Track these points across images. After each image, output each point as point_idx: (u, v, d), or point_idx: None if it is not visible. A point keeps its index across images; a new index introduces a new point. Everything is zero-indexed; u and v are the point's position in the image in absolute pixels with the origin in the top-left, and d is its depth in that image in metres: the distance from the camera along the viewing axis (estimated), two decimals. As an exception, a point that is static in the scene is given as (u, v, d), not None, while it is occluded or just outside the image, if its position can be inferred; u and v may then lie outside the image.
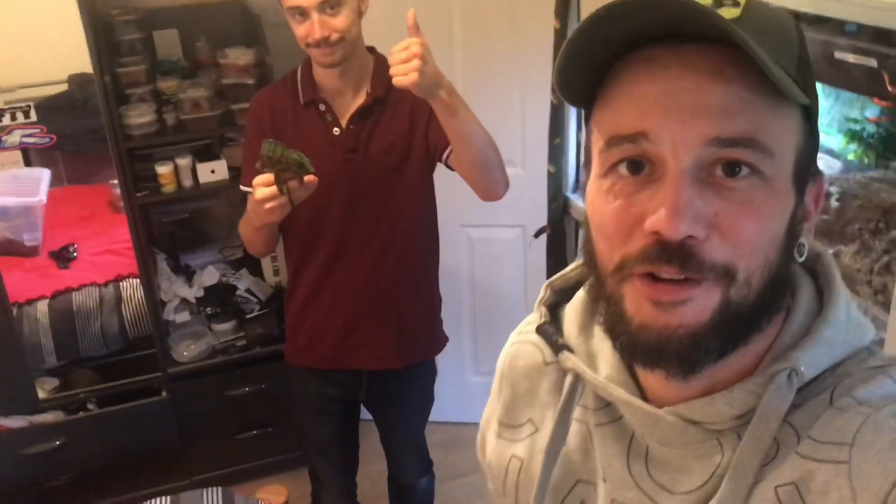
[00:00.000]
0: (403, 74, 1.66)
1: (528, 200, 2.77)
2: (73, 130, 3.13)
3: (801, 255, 0.64)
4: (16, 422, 2.70)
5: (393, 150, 1.96)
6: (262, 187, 1.70)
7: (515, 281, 3.05)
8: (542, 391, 0.80)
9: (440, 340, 2.22)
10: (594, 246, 0.65)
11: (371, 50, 2.01)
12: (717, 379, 0.64)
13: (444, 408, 2.32)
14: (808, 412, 0.63)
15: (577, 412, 0.77)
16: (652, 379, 0.67)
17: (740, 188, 0.59)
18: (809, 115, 0.62)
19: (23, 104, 2.47)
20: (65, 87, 3.28)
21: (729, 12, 0.59)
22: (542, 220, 2.63)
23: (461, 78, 2.70)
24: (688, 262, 0.58)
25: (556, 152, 2.11)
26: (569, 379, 0.75)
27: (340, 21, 1.83)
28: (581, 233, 0.58)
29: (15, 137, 2.48)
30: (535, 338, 0.81)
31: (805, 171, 0.63)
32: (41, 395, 2.80)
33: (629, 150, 0.60)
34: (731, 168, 0.58)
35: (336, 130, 1.95)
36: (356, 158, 1.94)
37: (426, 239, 2.12)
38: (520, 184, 2.73)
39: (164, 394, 2.85)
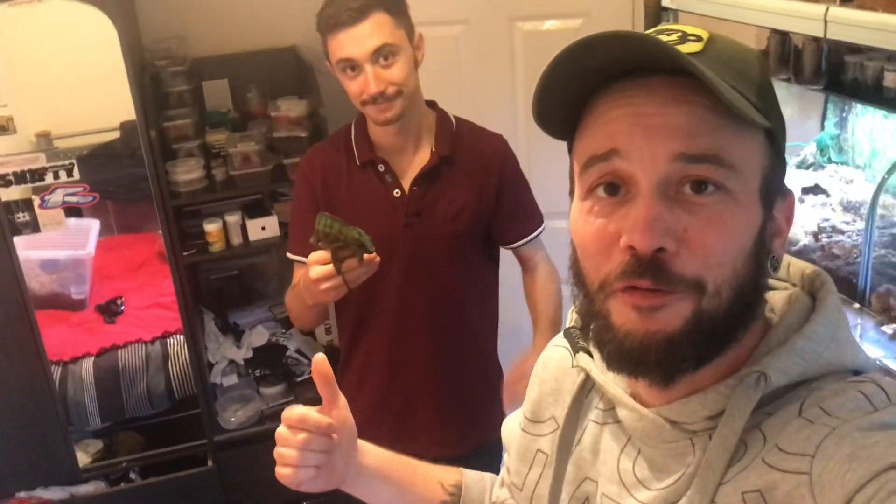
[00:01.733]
0: None
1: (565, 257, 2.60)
2: (120, 181, 3.06)
3: (774, 269, 0.70)
4: (55, 493, 2.59)
5: (461, 216, 1.80)
6: (318, 265, 1.54)
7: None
8: (566, 391, 0.86)
9: (501, 420, 2.03)
10: (580, 266, 0.70)
11: (431, 104, 1.86)
12: (698, 385, 0.68)
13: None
14: (778, 420, 0.65)
15: (593, 414, 0.83)
16: (641, 384, 0.72)
17: (707, 204, 0.63)
18: (773, 137, 0.67)
19: (66, 161, 2.37)
20: (115, 135, 3.23)
21: (691, 46, 0.65)
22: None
23: (523, 125, 2.56)
24: (660, 274, 0.63)
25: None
26: (580, 377, 0.83)
27: (396, 72, 1.67)
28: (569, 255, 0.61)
29: (58, 197, 2.39)
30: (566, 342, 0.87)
31: (772, 188, 0.67)
32: (84, 458, 2.71)
33: (604, 169, 0.65)
34: (698, 185, 0.63)
35: (397, 192, 1.79)
36: (419, 223, 1.79)
37: (489, 317, 1.97)
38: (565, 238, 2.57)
39: (210, 463, 2.72)
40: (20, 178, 2.37)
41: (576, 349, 0.83)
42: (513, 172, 1.89)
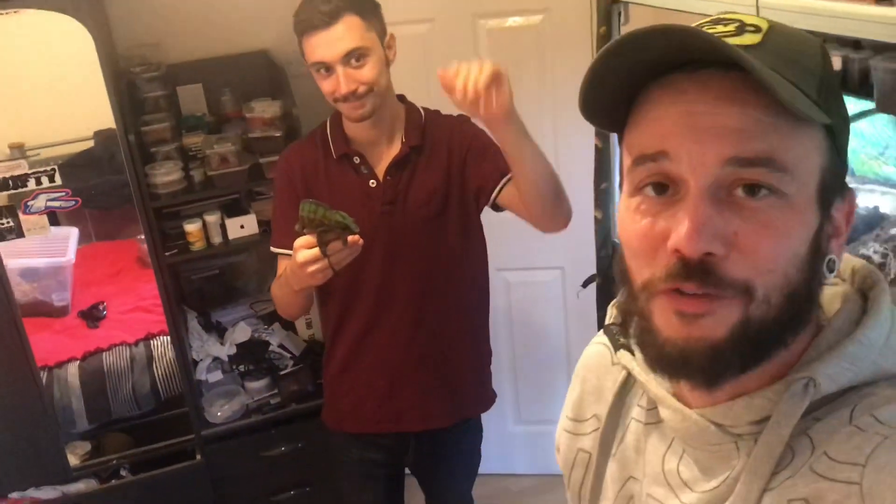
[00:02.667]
0: (491, 100, 1.52)
1: (565, 241, 2.68)
2: (100, 188, 3.10)
3: (831, 271, 0.65)
4: (47, 493, 2.63)
5: (433, 199, 1.88)
6: (304, 249, 1.61)
7: (556, 325, 2.95)
8: (607, 389, 0.84)
9: (488, 397, 2.12)
10: (626, 263, 0.68)
11: (401, 98, 1.94)
12: (744, 388, 0.66)
13: (484, 459, 2.22)
14: (827, 426, 0.63)
15: (635, 412, 0.81)
16: (684, 385, 0.71)
17: (760, 208, 0.60)
18: (834, 134, 0.64)
19: (47, 167, 2.42)
20: (90, 143, 3.27)
21: (749, 38, 0.62)
22: (582, 261, 2.53)
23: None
24: (707, 278, 0.61)
25: (602, 197, 2.02)
26: (622, 375, 0.81)
27: (367, 72, 1.76)
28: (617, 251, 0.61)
29: (40, 202, 2.44)
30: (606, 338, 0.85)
31: (831, 189, 0.64)
32: (73, 461, 2.73)
33: (653, 169, 0.63)
34: (751, 188, 0.60)
35: (372, 183, 1.87)
36: (395, 210, 1.87)
37: (474, 287, 2.02)
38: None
39: (198, 457, 2.77)
40: (2, 184, 2.41)
41: (616, 346, 0.81)
42: (477, 142, 1.87)
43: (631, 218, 0.65)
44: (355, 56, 1.73)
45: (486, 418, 2.18)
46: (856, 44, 1.56)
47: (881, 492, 0.57)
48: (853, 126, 1.57)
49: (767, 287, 0.61)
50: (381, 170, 1.88)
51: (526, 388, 3.04)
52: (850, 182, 1.70)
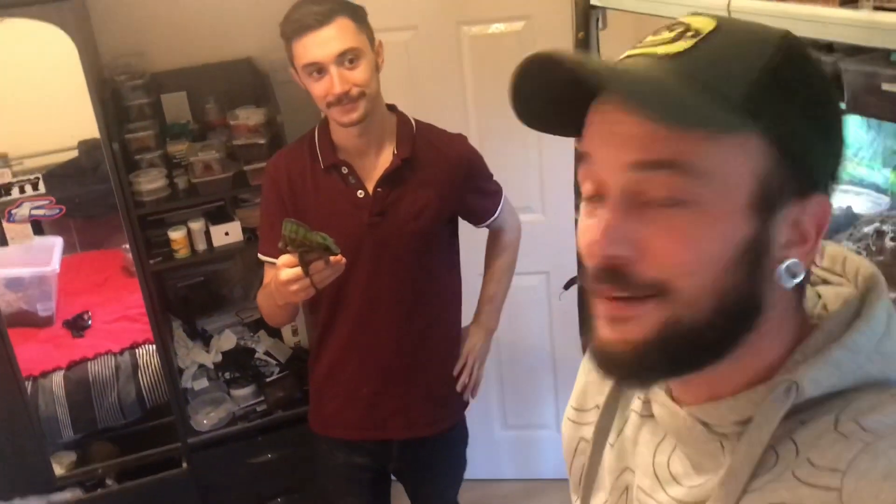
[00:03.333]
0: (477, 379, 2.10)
1: (550, 246, 2.71)
2: (85, 197, 3.10)
3: (793, 277, 0.64)
4: (33, 503, 2.61)
5: (423, 214, 1.88)
6: (287, 268, 1.61)
7: (541, 330, 2.96)
8: (608, 381, 0.84)
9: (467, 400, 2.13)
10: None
11: (392, 108, 1.94)
12: (731, 388, 0.67)
13: (471, 465, 2.23)
14: (812, 431, 0.63)
15: (635, 404, 0.82)
16: (674, 382, 0.72)
17: (670, 215, 0.61)
18: (782, 138, 0.61)
19: (31, 176, 2.42)
20: (74, 153, 3.26)
21: (679, 45, 0.63)
22: (566, 265, 2.55)
23: (475, 123, 2.67)
24: (618, 280, 0.63)
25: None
26: None
27: (360, 74, 1.75)
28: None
29: (24, 210, 2.44)
30: None
31: (774, 196, 0.62)
32: (58, 471, 2.72)
33: (584, 170, 0.66)
34: (666, 200, 0.61)
35: (360, 193, 1.86)
36: (383, 222, 1.87)
37: (452, 302, 2.06)
38: (541, 230, 2.68)
39: (184, 465, 2.76)
40: (-14, 194, 2.42)
41: None
42: (476, 170, 1.98)
43: (581, 221, 0.68)
44: (349, 57, 1.73)
45: (472, 423, 2.19)
46: (829, 47, 1.59)
47: (861, 499, 0.57)
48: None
49: (691, 289, 0.62)
50: (370, 181, 1.87)
51: (512, 393, 3.04)
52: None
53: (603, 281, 0.64)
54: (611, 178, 0.63)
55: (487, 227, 2.09)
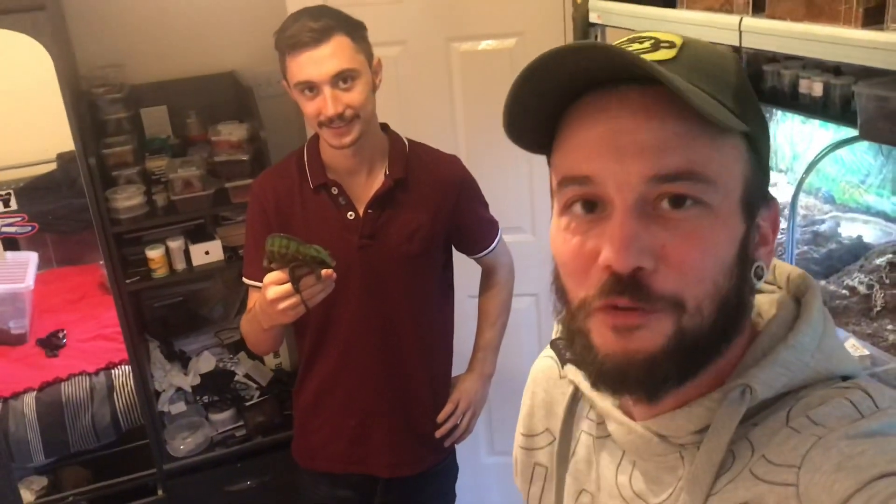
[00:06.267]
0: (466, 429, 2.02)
1: (540, 268, 2.62)
2: (60, 212, 3.02)
3: (759, 278, 0.66)
4: (-1, 532, 2.51)
5: (416, 237, 1.81)
6: (275, 286, 1.53)
7: (530, 353, 2.87)
8: (557, 402, 0.86)
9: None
10: (562, 282, 0.69)
11: (384, 127, 1.87)
12: (684, 398, 0.67)
13: (457, 492, 2.15)
14: (765, 430, 0.64)
15: (585, 425, 0.82)
16: (627, 398, 0.73)
17: (685, 219, 0.62)
18: (754, 143, 0.65)
19: (2, 192, 2.33)
20: (52, 166, 3.18)
21: (663, 54, 0.64)
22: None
23: (464, 141, 2.61)
24: (638, 292, 0.62)
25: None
26: (570, 389, 0.83)
27: (355, 96, 1.67)
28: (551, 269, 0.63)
29: (-6, 227, 2.35)
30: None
31: (755, 197, 0.65)
32: (28, 497, 2.64)
33: (579, 191, 0.64)
34: (676, 201, 0.62)
35: (351, 215, 1.79)
36: (374, 245, 1.79)
37: (444, 334, 1.98)
38: (531, 251, 2.62)
39: (160, 492, 2.67)
40: (-44, 210, 2.33)
41: (563, 361, 0.82)
42: (470, 193, 1.92)
43: (562, 237, 0.67)
44: (343, 78, 1.65)
45: (458, 449, 2.12)
46: (836, 70, 1.54)
47: (817, 492, 0.58)
48: (835, 154, 1.55)
49: (699, 298, 0.62)
50: (360, 202, 1.80)
51: (499, 418, 2.96)
52: (832, 210, 1.68)
53: (622, 293, 0.62)
54: (622, 191, 0.62)
55: (481, 259, 2.02)
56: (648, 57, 0.63)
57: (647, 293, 0.62)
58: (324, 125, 1.68)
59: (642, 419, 0.71)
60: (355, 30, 1.69)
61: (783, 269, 0.75)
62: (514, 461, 0.93)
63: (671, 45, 0.65)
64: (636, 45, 0.66)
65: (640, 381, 0.64)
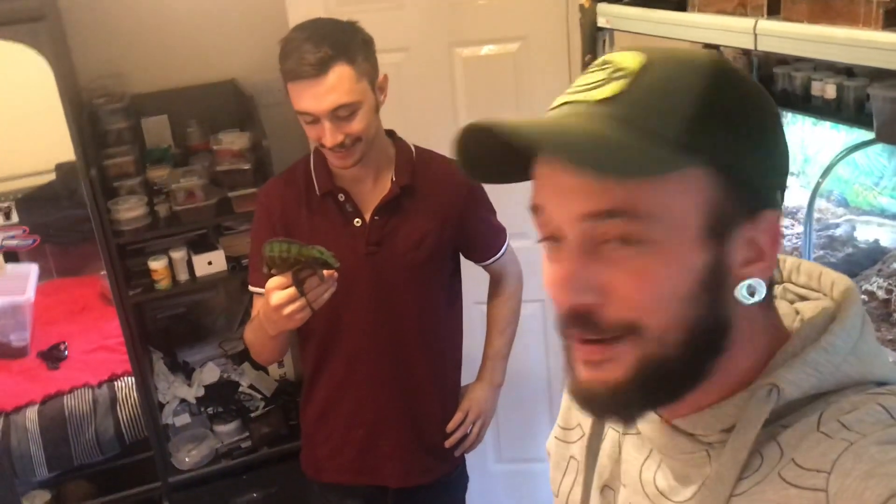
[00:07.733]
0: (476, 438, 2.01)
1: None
2: (61, 223, 3.00)
3: (752, 295, 0.65)
4: (3, 548, 2.48)
5: (423, 244, 1.79)
6: (278, 291, 1.51)
7: (537, 360, 2.87)
8: None
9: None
10: None
11: (391, 134, 1.84)
12: (714, 397, 0.68)
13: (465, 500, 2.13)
14: (795, 433, 0.64)
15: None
16: None
17: (629, 257, 0.62)
18: (725, 164, 0.62)
19: (3, 204, 2.31)
20: (51, 177, 3.16)
21: (611, 88, 0.63)
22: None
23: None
24: (586, 324, 0.64)
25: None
26: None
27: (355, 126, 1.63)
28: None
29: (-4, 240, 2.33)
30: None
31: (725, 222, 0.63)
32: (31, 513, 2.60)
33: (540, 219, 0.66)
34: (623, 239, 0.62)
35: (357, 222, 1.77)
36: (381, 252, 1.77)
37: (453, 343, 1.96)
38: (536, 257, 2.58)
39: (165, 506, 2.64)
40: (-44, 224, 2.31)
41: None
42: (478, 199, 1.89)
43: (545, 263, 0.68)
44: (342, 111, 1.62)
45: (467, 458, 2.09)
46: (849, 71, 1.52)
47: (846, 498, 0.57)
48: (848, 157, 1.53)
49: (660, 325, 0.63)
50: (367, 209, 1.78)
51: (507, 425, 2.94)
52: (846, 213, 1.65)
53: (572, 326, 0.65)
54: (565, 226, 0.64)
55: (489, 266, 1.99)
56: (595, 92, 0.64)
57: (595, 325, 0.64)
58: (324, 148, 1.67)
59: (672, 417, 0.72)
60: (358, 53, 1.63)
61: (828, 277, 0.74)
62: (548, 451, 0.95)
63: (627, 74, 0.63)
64: (596, 74, 0.66)
65: (604, 406, 0.67)
